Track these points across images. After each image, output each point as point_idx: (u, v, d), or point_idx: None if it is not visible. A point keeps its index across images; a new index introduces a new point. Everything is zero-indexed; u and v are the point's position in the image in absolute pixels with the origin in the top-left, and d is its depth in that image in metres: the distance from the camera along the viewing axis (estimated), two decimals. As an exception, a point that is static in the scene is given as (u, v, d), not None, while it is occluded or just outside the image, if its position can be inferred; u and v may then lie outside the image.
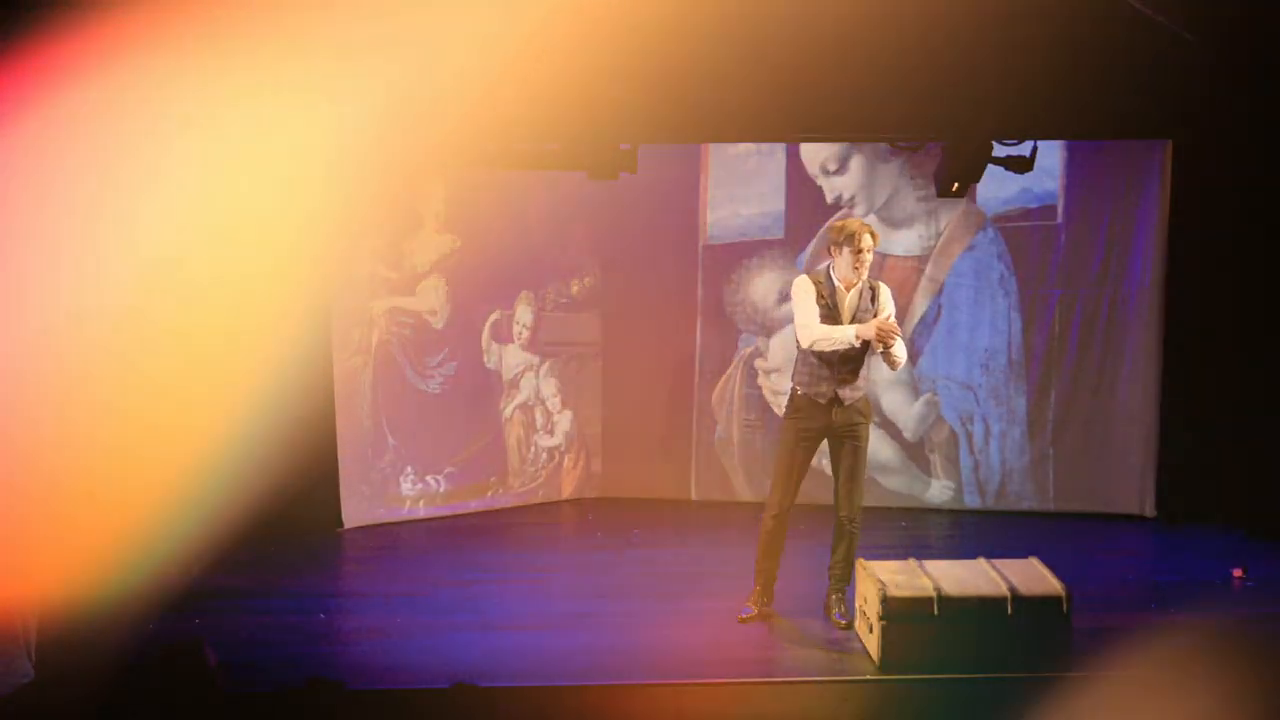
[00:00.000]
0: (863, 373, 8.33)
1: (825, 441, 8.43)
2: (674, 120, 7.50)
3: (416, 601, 8.88)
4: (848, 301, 8.26)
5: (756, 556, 8.53)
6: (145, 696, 5.71)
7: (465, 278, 10.59)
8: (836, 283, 8.27)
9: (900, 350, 8.25)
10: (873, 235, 8.24)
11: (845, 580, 8.47)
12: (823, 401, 8.31)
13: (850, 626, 8.32)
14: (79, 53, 7.05)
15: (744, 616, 8.48)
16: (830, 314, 8.27)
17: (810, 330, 8.25)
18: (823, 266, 8.39)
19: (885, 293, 8.34)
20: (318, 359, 10.10)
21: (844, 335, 8.18)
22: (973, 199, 10.60)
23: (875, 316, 8.25)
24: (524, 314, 10.84)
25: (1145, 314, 10.58)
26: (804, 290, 8.34)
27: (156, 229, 9.50)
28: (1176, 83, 7.45)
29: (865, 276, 8.27)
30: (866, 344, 8.24)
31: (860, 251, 8.19)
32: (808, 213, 10.69)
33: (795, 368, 8.40)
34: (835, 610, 8.43)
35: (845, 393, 8.29)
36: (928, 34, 7.29)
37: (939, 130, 7.66)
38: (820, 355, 8.28)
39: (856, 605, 8.29)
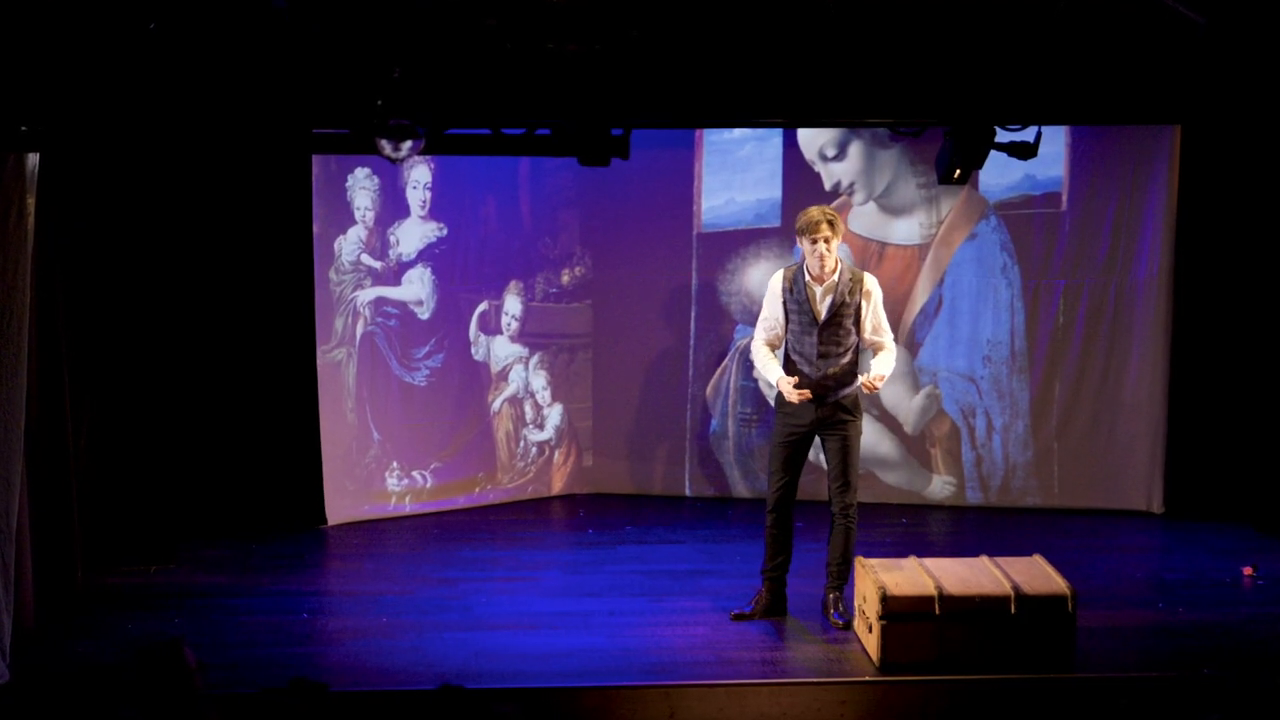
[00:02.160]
0: (846, 369, 8.30)
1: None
2: (667, 104, 7.49)
3: (402, 601, 8.88)
4: (820, 298, 8.24)
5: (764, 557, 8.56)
6: (123, 697, 5.71)
7: (452, 267, 10.58)
8: (808, 278, 8.26)
9: (880, 368, 8.28)
10: (832, 224, 8.17)
11: (843, 579, 8.47)
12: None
13: (849, 626, 8.32)
14: None
15: (735, 614, 8.47)
16: (800, 311, 8.26)
17: (754, 347, 8.49)
18: (802, 259, 8.40)
19: (870, 284, 8.33)
20: (300, 351, 10.10)
21: (767, 378, 8.50)
22: (975, 186, 10.60)
23: (857, 312, 8.24)
24: (513, 304, 10.83)
25: (1153, 304, 10.58)
26: (770, 290, 8.41)
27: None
28: (1185, 66, 7.44)
29: (838, 268, 8.25)
30: (843, 341, 8.22)
31: (816, 242, 8.16)
32: (805, 200, 10.61)
33: (783, 362, 8.43)
34: (833, 609, 8.43)
35: (827, 390, 8.27)
36: (929, 15, 7.28)
37: (940, 115, 7.64)
38: (800, 351, 8.29)
39: (856, 604, 8.30)
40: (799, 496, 8.46)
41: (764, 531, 8.49)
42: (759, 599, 8.52)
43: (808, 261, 8.26)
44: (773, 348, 8.43)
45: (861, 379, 8.27)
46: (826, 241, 8.15)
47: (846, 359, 8.30)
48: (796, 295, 8.27)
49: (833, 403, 8.30)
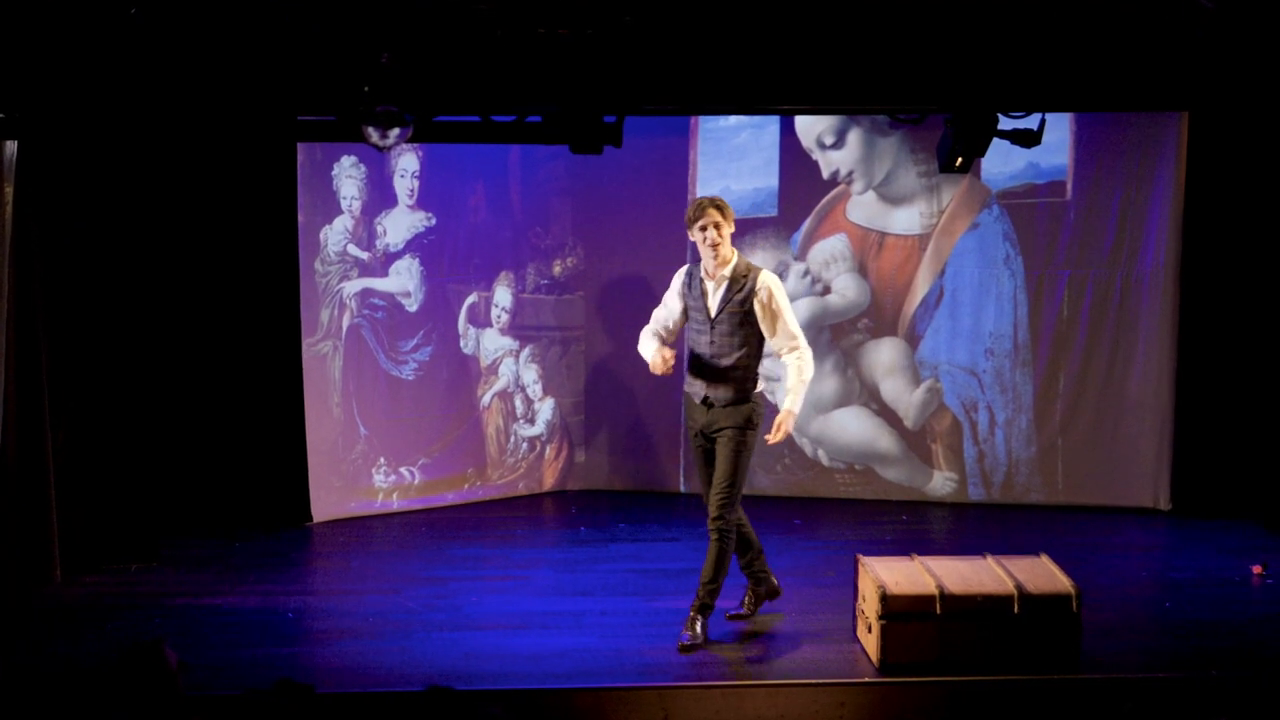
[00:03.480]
0: (738, 374, 8.11)
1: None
2: (662, 91, 7.49)
3: (389, 600, 8.88)
4: (712, 292, 8.11)
5: None
6: (104, 699, 5.71)
7: (441, 258, 10.57)
8: (703, 274, 8.17)
9: (789, 400, 8.08)
10: (720, 209, 8.02)
11: (708, 599, 8.18)
12: (697, 400, 8.23)
13: (689, 650, 8.07)
14: None
15: (732, 614, 8.47)
16: (696, 307, 8.14)
17: (641, 336, 8.35)
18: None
19: (765, 280, 8.07)
20: (284, 344, 10.10)
21: (644, 354, 8.25)
22: (977, 174, 10.60)
23: (752, 311, 8.03)
24: (503, 296, 10.83)
25: (1159, 296, 10.58)
26: (671, 288, 8.32)
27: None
28: (1193, 51, 7.45)
29: (733, 262, 8.06)
30: (737, 340, 8.08)
31: (705, 229, 7.99)
32: (803, 189, 10.68)
33: (687, 361, 8.33)
34: (687, 629, 8.16)
35: (716, 394, 8.14)
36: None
37: (942, 101, 7.64)
38: (697, 349, 8.15)
39: (856, 604, 8.30)
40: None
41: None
42: (749, 598, 8.50)
43: (701, 255, 8.15)
44: (662, 341, 8.30)
45: (772, 427, 8.12)
46: (717, 227, 7.98)
47: (741, 360, 8.09)
48: (694, 292, 8.17)
49: (718, 408, 8.15)
